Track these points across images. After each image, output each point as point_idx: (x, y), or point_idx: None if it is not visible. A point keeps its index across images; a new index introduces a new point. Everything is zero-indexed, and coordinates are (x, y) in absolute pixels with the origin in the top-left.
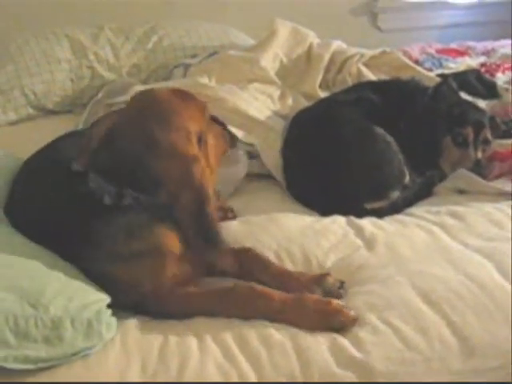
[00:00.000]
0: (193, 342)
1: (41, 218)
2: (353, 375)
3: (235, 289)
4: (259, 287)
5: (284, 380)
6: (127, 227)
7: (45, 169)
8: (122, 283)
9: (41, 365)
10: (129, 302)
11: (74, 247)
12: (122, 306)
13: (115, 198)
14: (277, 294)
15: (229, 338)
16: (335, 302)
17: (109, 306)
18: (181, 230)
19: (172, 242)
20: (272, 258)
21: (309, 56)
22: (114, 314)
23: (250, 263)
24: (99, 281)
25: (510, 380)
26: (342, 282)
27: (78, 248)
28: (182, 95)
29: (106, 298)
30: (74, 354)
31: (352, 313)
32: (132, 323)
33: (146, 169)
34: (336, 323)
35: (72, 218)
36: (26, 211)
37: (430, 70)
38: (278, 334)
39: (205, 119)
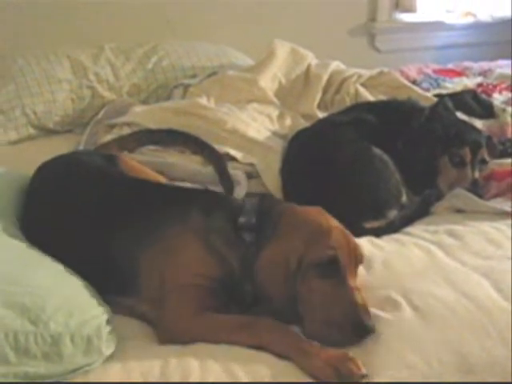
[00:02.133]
0: (194, 360)
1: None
2: None
3: (260, 321)
4: (279, 323)
5: None
6: (222, 231)
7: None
8: (171, 266)
9: (40, 382)
10: (150, 296)
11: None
12: (141, 299)
13: (248, 225)
14: (297, 336)
15: (230, 359)
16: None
17: (108, 321)
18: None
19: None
20: None
21: (307, 76)
22: (113, 329)
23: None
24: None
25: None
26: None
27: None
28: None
29: (106, 313)
30: (74, 371)
31: (363, 370)
32: (132, 339)
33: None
34: (345, 371)
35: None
36: (53, 218)
37: (427, 90)
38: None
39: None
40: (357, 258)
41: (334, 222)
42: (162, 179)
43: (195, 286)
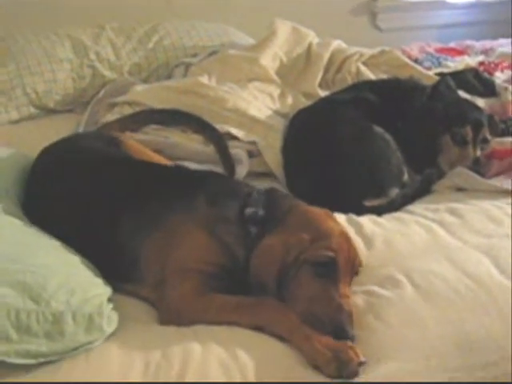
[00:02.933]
0: (195, 341)
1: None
2: None
3: (263, 302)
4: (281, 305)
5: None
6: (228, 221)
7: (76, 163)
8: (170, 247)
9: (42, 360)
10: (153, 281)
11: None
12: (143, 285)
13: (254, 217)
14: (298, 319)
15: (232, 340)
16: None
17: (109, 299)
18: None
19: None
20: None
21: (308, 55)
22: (115, 308)
23: None
24: (141, 248)
25: (509, 380)
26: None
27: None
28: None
29: (107, 292)
30: (75, 349)
31: (362, 358)
32: (133, 319)
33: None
34: (343, 357)
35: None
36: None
37: (429, 68)
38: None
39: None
40: (354, 266)
41: (340, 227)
42: (166, 162)
43: (197, 270)
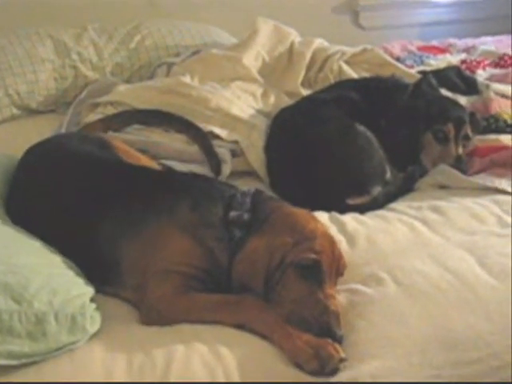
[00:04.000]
0: (179, 340)
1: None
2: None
3: (244, 300)
4: (262, 303)
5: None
6: (212, 224)
7: (59, 163)
8: (151, 248)
9: (24, 360)
10: (133, 284)
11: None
12: (124, 288)
13: (239, 221)
14: (279, 318)
15: (215, 339)
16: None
17: (92, 299)
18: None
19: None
20: None
21: (291, 54)
22: (97, 308)
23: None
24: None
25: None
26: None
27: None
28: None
29: (90, 292)
30: (58, 349)
31: (342, 354)
32: (116, 317)
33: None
34: (324, 353)
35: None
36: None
37: (411, 67)
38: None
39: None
40: (339, 267)
41: (323, 228)
42: (152, 163)
43: (179, 272)
